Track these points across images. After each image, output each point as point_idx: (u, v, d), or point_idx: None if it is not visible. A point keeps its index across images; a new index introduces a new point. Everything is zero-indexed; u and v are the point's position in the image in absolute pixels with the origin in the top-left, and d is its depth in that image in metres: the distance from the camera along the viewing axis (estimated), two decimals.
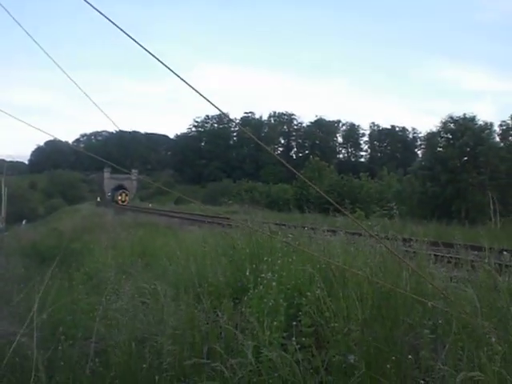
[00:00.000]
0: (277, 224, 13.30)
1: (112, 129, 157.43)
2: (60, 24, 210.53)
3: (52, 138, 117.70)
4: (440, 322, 5.25)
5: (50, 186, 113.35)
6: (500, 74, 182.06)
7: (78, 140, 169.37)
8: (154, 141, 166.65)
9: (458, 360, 4.65)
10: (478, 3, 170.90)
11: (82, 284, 11.01)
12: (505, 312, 4.83)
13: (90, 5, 3.59)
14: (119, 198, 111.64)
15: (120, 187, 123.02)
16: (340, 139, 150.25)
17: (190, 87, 3.66)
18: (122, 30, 3.62)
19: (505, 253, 6.34)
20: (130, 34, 3.61)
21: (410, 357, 4.76)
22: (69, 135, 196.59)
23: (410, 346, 5.30)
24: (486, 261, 6.06)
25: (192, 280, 8.33)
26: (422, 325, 5.30)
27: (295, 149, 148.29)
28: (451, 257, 8.52)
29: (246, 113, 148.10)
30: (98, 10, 3.60)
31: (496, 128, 71.78)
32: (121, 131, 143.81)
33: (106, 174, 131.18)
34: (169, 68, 3.65)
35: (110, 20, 3.59)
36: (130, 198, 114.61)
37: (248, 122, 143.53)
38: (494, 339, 4.32)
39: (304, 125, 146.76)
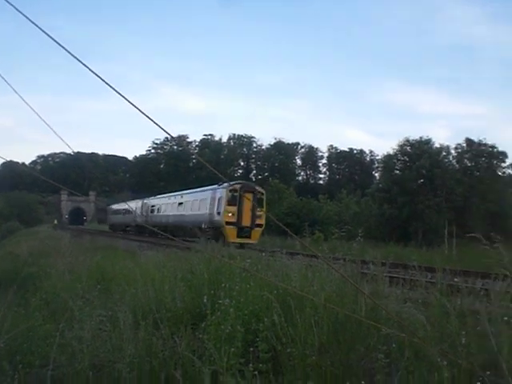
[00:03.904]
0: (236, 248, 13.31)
1: (70, 150, 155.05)
2: (14, 48, 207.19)
3: (8, 160, 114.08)
4: (394, 346, 5.35)
5: (6, 208, 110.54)
6: (455, 97, 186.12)
7: (34, 162, 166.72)
8: (113, 163, 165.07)
9: None
10: (431, 27, 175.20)
11: (38, 310, 10.86)
12: (454, 337, 4.96)
13: (43, 31, 3.63)
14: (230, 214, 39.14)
15: (78, 209, 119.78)
16: (299, 162, 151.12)
17: (140, 112, 3.67)
18: (74, 56, 3.67)
19: (455, 279, 6.51)
20: (86, 58, 3.66)
21: (363, 382, 4.84)
22: (26, 157, 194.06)
23: (366, 370, 5.39)
24: (439, 286, 6.20)
25: (150, 306, 8.31)
26: (376, 349, 5.39)
27: (255, 171, 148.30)
28: (404, 279, 8.70)
29: (205, 135, 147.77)
30: (51, 37, 3.63)
31: (452, 151, 73.71)
32: (79, 153, 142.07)
33: (63, 197, 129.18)
34: (120, 93, 3.71)
35: (61, 45, 3.64)
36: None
37: (207, 143, 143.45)
38: (445, 363, 4.43)
39: (263, 147, 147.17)
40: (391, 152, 71.32)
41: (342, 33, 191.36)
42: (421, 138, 69.12)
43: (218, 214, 37.97)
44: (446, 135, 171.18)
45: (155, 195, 61.51)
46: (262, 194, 40.44)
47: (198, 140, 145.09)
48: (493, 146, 73.34)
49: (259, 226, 38.20)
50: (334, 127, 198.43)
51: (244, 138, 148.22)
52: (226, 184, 39.70)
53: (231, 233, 36.08)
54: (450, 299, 6.06)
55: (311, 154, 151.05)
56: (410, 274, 9.21)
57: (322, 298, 6.09)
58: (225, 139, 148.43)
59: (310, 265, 8.89)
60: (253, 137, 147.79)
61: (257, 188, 41.17)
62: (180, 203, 49.06)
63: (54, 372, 6.51)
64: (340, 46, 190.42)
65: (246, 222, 37.25)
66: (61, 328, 7.39)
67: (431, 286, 6.54)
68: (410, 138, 69.24)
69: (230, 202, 37.66)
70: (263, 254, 11.36)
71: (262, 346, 6.02)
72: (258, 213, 37.36)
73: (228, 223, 36.45)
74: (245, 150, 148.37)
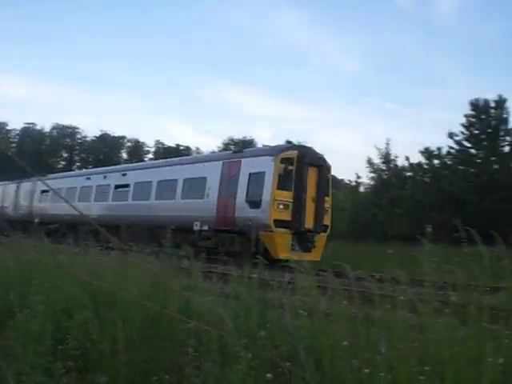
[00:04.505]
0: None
1: None
2: None
3: None
4: (204, 340, 5.50)
5: None
6: (279, 99, 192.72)
7: None
8: None
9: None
10: (262, 29, 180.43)
11: None
12: (255, 330, 5.23)
13: None
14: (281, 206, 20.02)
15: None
16: (125, 155, 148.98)
17: None
18: None
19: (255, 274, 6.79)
20: None
21: (167, 376, 4.95)
22: None
23: (175, 364, 5.49)
24: (245, 280, 6.48)
25: None
26: (187, 344, 5.51)
27: (78, 163, 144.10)
28: (215, 272, 8.97)
29: (26, 123, 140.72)
30: None
31: None
32: None
33: None
34: None
35: None
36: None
37: (29, 132, 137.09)
38: (249, 355, 4.66)
39: (88, 139, 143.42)
40: (216, 150, 73.15)
41: (177, 29, 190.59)
42: (244, 137, 71.55)
43: (255, 204, 20.47)
44: (268, 136, 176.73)
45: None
46: (329, 170, 22.80)
47: (19, 128, 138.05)
48: None
49: (324, 228, 21.98)
50: (161, 122, 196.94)
51: (68, 128, 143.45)
52: (271, 148, 22.44)
53: (282, 241, 19.78)
54: (261, 293, 6.36)
55: (137, 148, 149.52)
56: (223, 268, 9.50)
57: (134, 294, 6.11)
58: (48, 129, 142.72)
59: (126, 260, 8.87)
60: (77, 128, 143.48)
61: (325, 159, 22.68)
62: (121, 186, 28.63)
63: None
64: (174, 42, 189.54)
65: (309, 221, 20.76)
66: None
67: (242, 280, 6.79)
68: (235, 137, 71.46)
69: (283, 184, 20.41)
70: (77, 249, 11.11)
71: (72, 343, 5.92)
72: (325, 205, 21.79)
73: (278, 223, 20.02)
74: (68, 140, 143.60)
